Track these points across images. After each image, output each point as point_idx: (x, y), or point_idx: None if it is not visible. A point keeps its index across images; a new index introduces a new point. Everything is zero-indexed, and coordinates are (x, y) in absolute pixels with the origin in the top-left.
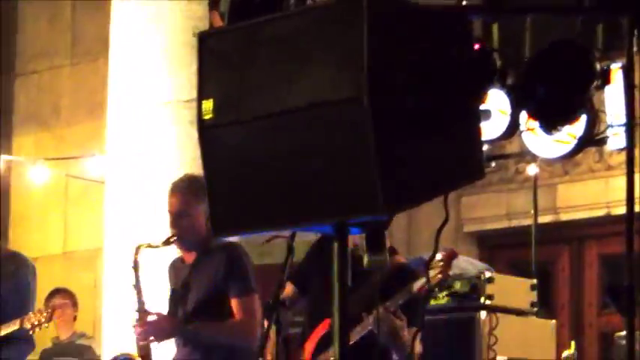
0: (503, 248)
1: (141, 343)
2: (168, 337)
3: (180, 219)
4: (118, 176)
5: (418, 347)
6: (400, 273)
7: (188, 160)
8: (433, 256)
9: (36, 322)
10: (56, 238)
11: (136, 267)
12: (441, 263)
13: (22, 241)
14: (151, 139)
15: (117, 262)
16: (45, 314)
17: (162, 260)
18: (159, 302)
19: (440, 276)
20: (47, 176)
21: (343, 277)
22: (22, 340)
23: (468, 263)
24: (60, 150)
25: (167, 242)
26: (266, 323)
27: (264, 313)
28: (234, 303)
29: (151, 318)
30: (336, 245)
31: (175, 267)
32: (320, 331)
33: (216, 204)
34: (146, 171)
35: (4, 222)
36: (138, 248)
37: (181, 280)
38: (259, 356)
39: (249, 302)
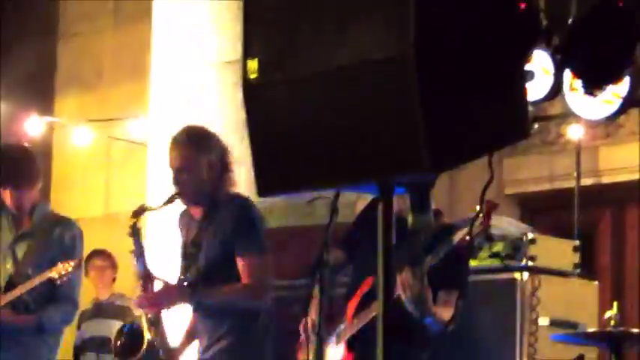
0: (544, 211)
1: (147, 311)
2: (174, 304)
3: (181, 174)
4: (161, 138)
5: (448, 313)
6: (443, 230)
7: (231, 122)
8: (478, 214)
9: (63, 272)
10: (98, 200)
11: (135, 233)
12: (482, 214)
13: (64, 202)
14: (194, 100)
15: (158, 224)
16: (72, 263)
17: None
18: (171, 260)
19: (480, 227)
20: (89, 138)
21: (387, 236)
22: (65, 300)
23: (510, 224)
24: (102, 112)
25: (169, 201)
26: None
27: (308, 273)
28: (240, 263)
29: (156, 285)
30: (380, 204)
31: (184, 219)
32: (363, 288)
33: (260, 164)
34: None
35: (46, 183)
36: (138, 213)
37: (191, 237)
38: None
39: (257, 263)
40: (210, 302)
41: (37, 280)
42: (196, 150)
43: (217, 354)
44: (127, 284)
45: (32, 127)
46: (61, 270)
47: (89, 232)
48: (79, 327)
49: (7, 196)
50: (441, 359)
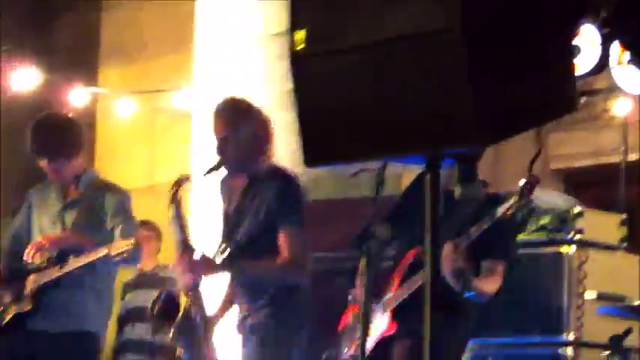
0: (589, 186)
1: (185, 280)
2: (211, 273)
3: (224, 144)
4: (205, 109)
5: (491, 284)
6: (489, 201)
7: (276, 93)
8: (523, 188)
9: (120, 250)
10: (142, 171)
11: (175, 202)
12: (525, 188)
13: (108, 173)
14: (238, 71)
15: (203, 195)
16: (130, 243)
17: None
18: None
19: (523, 200)
20: (133, 109)
21: (434, 207)
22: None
23: (557, 197)
24: (145, 83)
25: (213, 169)
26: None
27: (353, 245)
28: (281, 236)
29: (195, 256)
30: (428, 176)
31: (226, 187)
32: (408, 259)
33: (307, 135)
34: None
35: (90, 155)
36: (178, 183)
37: (233, 207)
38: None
39: (298, 237)
40: (249, 274)
41: (92, 256)
42: (238, 120)
43: (255, 324)
44: (169, 255)
45: (76, 98)
46: (119, 247)
47: (133, 203)
48: (123, 297)
49: (44, 166)
50: (487, 332)
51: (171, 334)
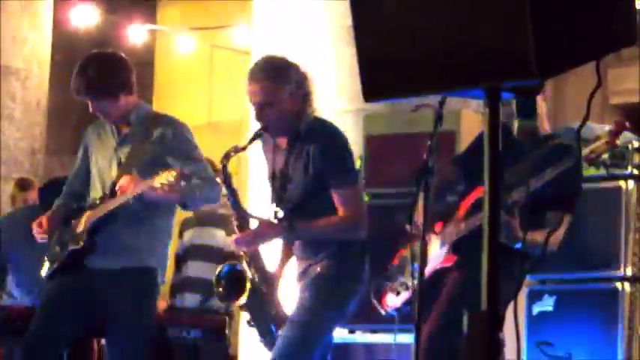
0: None
1: (245, 250)
2: (270, 240)
3: (264, 109)
4: (264, 46)
5: (554, 239)
6: (555, 150)
7: (336, 28)
8: (583, 124)
9: (164, 182)
10: (201, 109)
11: (226, 177)
12: (611, 132)
13: (167, 110)
14: (298, 7)
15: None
16: (173, 172)
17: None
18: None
19: (605, 146)
20: (192, 46)
21: (494, 142)
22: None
23: None
24: (205, 20)
25: (255, 138)
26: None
27: (413, 179)
28: (335, 195)
29: (252, 224)
30: (487, 110)
31: (269, 146)
32: (475, 195)
33: (366, 69)
34: (292, 40)
35: (149, 92)
36: (225, 157)
37: (279, 168)
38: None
39: (352, 193)
40: (307, 236)
41: (138, 189)
42: (276, 82)
43: (316, 275)
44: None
45: (135, 35)
46: (163, 179)
47: None
48: (180, 236)
49: (97, 105)
50: (544, 268)
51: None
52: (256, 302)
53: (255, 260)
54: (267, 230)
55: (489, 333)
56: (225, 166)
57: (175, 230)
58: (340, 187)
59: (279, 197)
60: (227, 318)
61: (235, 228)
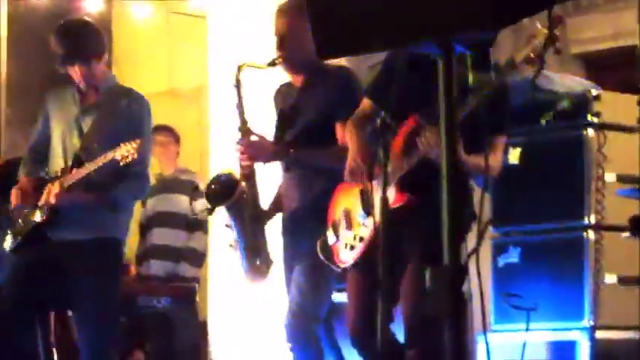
0: (610, 69)
1: (243, 163)
2: (269, 159)
3: (285, 40)
4: (220, 10)
5: (493, 162)
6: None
7: None
8: (537, 74)
9: (126, 153)
10: (161, 75)
11: (238, 85)
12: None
13: (126, 78)
14: None
15: (222, 98)
16: (135, 145)
17: (267, 82)
18: (261, 125)
19: (543, 42)
20: (148, 12)
21: (449, 96)
22: (137, 176)
23: (574, 81)
24: None
25: (272, 63)
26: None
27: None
28: (339, 127)
29: (253, 138)
30: (441, 65)
31: (282, 92)
32: (405, 130)
33: (318, 26)
34: (249, 2)
35: (108, 60)
36: (241, 67)
37: (290, 102)
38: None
39: None
40: (306, 161)
41: (100, 162)
42: (302, 16)
43: (305, 215)
44: (189, 159)
45: (90, 4)
46: (124, 151)
47: (153, 107)
48: (143, 204)
49: (77, 71)
50: (508, 220)
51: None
52: (239, 220)
53: (249, 179)
54: (267, 147)
55: (452, 286)
56: (238, 79)
57: None
58: (345, 119)
59: (284, 129)
60: (196, 285)
61: (238, 140)
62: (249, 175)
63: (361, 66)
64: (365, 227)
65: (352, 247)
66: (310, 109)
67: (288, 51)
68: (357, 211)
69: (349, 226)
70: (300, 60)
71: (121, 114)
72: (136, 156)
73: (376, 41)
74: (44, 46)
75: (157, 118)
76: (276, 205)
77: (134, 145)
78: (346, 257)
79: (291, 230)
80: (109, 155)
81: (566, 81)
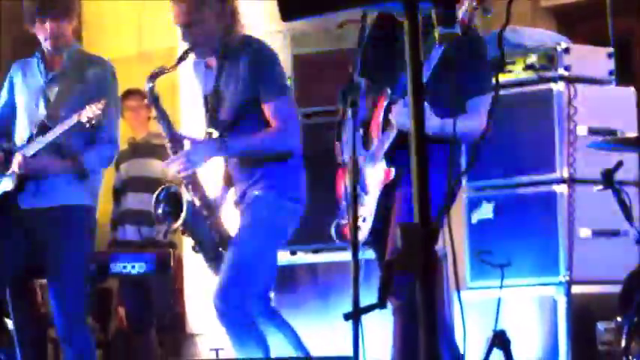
0: (581, 21)
1: (183, 174)
2: (205, 160)
3: (188, 29)
4: None
5: (472, 122)
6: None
7: None
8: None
9: (92, 115)
10: (131, 39)
11: (154, 98)
12: None
13: (96, 42)
14: None
15: (192, 59)
16: (100, 105)
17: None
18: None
19: (472, 5)
20: None
21: (415, 53)
22: (105, 141)
23: (543, 35)
24: None
25: (181, 59)
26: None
27: (339, 96)
28: (266, 108)
29: (186, 146)
30: (406, 23)
31: (200, 67)
32: (381, 105)
33: None
34: None
35: (78, 24)
36: (152, 77)
37: (211, 88)
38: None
39: (282, 104)
40: (241, 151)
41: (65, 125)
42: (196, 1)
43: (253, 201)
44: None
45: None
46: (89, 112)
47: (123, 72)
48: (117, 168)
49: (45, 29)
50: (480, 175)
51: (180, 230)
52: (199, 227)
53: (193, 185)
54: (199, 148)
55: (424, 245)
56: (152, 88)
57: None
58: (270, 99)
59: (212, 118)
60: (171, 250)
61: (169, 151)
62: (192, 182)
63: (331, 25)
64: (364, 206)
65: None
66: (231, 94)
67: (194, 40)
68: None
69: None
70: (207, 45)
71: (86, 80)
72: (101, 116)
73: (337, 0)
74: (9, 16)
75: (128, 82)
76: (226, 189)
77: (99, 105)
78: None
79: (241, 210)
80: (74, 118)
81: (536, 35)
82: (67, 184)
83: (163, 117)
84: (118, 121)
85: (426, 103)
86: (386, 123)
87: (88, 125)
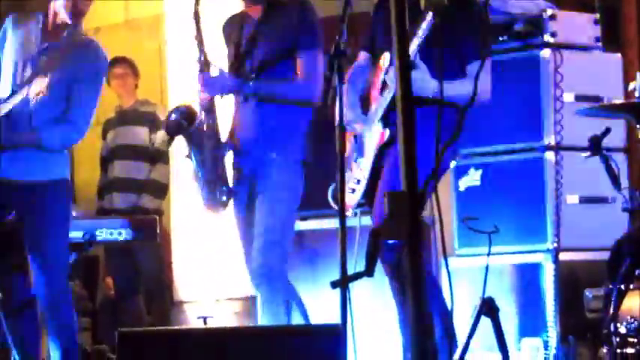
0: None
1: (202, 96)
2: (228, 91)
3: None
4: None
5: (459, 88)
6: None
7: None
8: None
9: (37, 90)
10: (117, 6)
11: (196, 17)
12: None
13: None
14: None
15: (180, 28)
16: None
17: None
18: (218, 57)
19: None
20: None
21: (401, 18)
22: (68, 121)
23: (529, 2)
24: None
25: None
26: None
27: (327, 63)
28: (299, 59)
29: (213, 71)
30: None
31: (234, 23)
32: (379, 70)
33: None
34: None
35: None
36: None
37: (247, 35)
38: (325, 103)
39: (314, 58)
40: (264, 92)
41: (18, 97)
42: None
43: (273, 161)
44: (149, 90)
45: None
46: (37, 88)
47: (110, 39)
48: (104, 137)
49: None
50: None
51: (184, 142)
52: (204, 147)
53: (207, 112)
54: (225, 78)
55: (409, 211)
56: (196, 11)
57: (97, 131)
58: (307, 51)
59: (241, 61)
60: (157, 217)
61: (197, 73)
62: (208, 108)
63: None
64: (360, 170)
65: (353, 190)
66: (270, 40)
67: None
68: (353, 156)
69: (349, 170)
70: None
71: (73, 62)
72: (47, 96)
73: None
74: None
75: (115, 50)
76: (233, 135)
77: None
78: (350, 200)
79: (244, 161)
80: (24, 91)
81: (522, 2)
82: (48, 159)
83: (200, 38)
84: (93, 103)
85: (424, 66)
86: (384, 85)
87: (33, 102)
